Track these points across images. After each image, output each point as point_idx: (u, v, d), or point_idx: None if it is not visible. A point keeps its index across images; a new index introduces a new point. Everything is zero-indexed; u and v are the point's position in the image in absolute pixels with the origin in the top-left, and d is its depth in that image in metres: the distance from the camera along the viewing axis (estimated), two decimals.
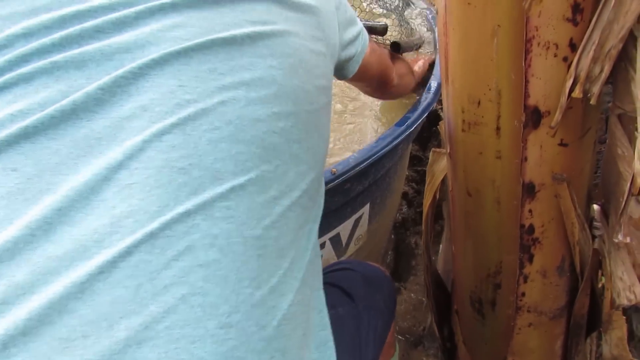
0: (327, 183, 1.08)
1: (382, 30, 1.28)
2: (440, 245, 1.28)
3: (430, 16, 1.63)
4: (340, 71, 0.82)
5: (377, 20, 1.45)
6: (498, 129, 0.75)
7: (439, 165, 1.01)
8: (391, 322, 0.94)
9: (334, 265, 1.03)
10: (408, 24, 1.48)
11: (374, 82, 1.01)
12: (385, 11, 1.59)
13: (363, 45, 0.81)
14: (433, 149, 1.03)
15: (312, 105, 0.55)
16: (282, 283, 0.49)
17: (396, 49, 1.25)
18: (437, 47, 1.46)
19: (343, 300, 0.84)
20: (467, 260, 0.97)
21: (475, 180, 0.84)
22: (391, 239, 1.71)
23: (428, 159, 1.82)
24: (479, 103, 0.75)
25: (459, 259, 1.00)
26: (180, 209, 0.43)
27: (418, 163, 1.78)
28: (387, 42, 1.28)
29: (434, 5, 1.68)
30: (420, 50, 1.44)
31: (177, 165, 0.44)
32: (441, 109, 1.94)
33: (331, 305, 0.76)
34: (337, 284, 0.87)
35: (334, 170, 1.11)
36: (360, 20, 1.32)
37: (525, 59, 0.67)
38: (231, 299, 0.44)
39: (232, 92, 0.48)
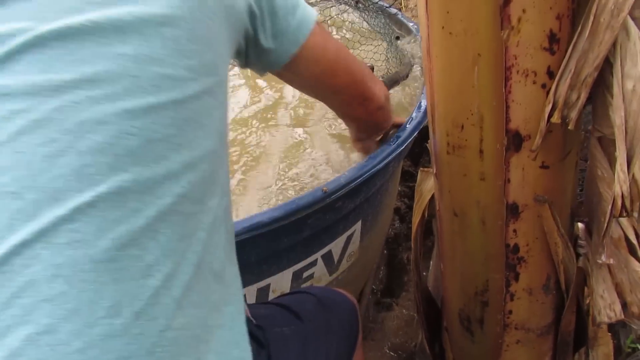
0: (318, 201, 1.10)
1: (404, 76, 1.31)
2: (431, 262, 1.29)
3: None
4: (266, 55, 0.70)
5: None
6: (481, 151, 0.77)
7: (427, 184, 1.03)
8: (354, 344, 0.90)
9: (292, 290, 1.00)
10: (397, 47, 1.52)
11: (342, 90, 0.86)
12: (377, 33, 1.62)
13: (304, 21, 0.71)
14: (421, 168, 1.05)
15: (182, 92, 0.47)
16: (150, 305, 0.43)
17: None
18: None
19: (290, 321, 0.80)
20: (455, 279, 0.99)
21: (461, 200, 0.86)
22: (383, 255, 1.72)
23: None
24: (462, 127, 0.77)
25: (447, 277, 1.01)
26: (16, 239, 0.39)
27: (410, 179, 1.80)
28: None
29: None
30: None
31: (8, 190, 0.39)
32: None
33: (275, 324, 0.76)
34: (286, 305, 0.84)
35: (325, 189, 1.12)
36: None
37: (506, 85, 0.70)
38: (84, 333, 0.39)
39: (71, 94, 0.41)
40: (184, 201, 0.47)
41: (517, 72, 0.69)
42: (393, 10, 1.73)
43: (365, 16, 1.61)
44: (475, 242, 0.89)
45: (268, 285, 1.23)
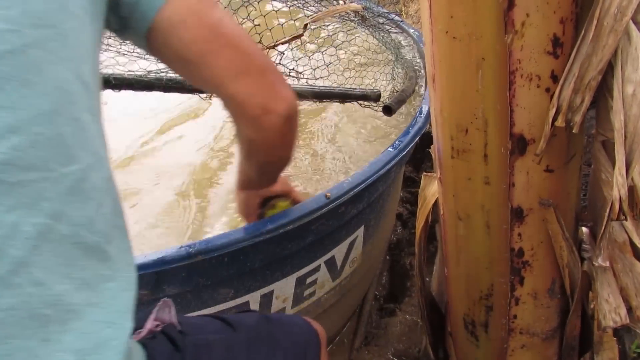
0: (321, 207, 1.10)
1: (375, 97, 1.29)
2: (434, 267, 1.29)
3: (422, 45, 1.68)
4: (131, 11, 0.60)
5: (370, 86, 1.46)
6: (486, 156, 0.78)
7: (431, 189, 1.04)
8: None
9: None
10: (403, 59, 1.52)
11: (229, 72, 0.65)
12: (382, 46, 1.62)
13: None
14: (424, 173, 1.06)
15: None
16: None
17: (388, 112, 1.26)
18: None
19: (220, 330, 0.76)
20: (460, 283, 0.99)
21: (465, 205, 0.86)
22: (386, 261, 1.72)
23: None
24: (466, 131, 0.77)
25: (451, 281, 1.01)
26: None
27: (412, 184, 1.80)
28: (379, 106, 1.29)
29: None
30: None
31: None
32: None
33: (201, 332, 0.73)
34: (222, 317, 0.79)
35: (328, 194, 1.12)
36: (351, 89, 1.29)
37: (510, 89, 0.70)
38: None
39: None
40: (8, 169, 0.42)
41: (521, 76, 0.69)
42: (395, 18, 1.74)
43: (372, 31, 1.61)
44: (479, 246, 0.89)
45: (272, 292, 1.23)
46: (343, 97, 1.22)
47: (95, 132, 0.52)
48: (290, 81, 1.32)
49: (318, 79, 1.32)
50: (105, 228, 0.50)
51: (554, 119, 0.69)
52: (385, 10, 1.72)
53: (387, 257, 1.70)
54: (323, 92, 1.21)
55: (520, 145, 0.75)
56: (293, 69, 1.31)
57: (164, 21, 0.61)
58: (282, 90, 0.69)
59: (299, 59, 1.36)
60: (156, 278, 1.04)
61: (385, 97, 1.36)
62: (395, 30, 1.71)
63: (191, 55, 0.63)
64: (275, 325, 0.81)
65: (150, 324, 0.71)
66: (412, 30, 1.69)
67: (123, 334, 0.51)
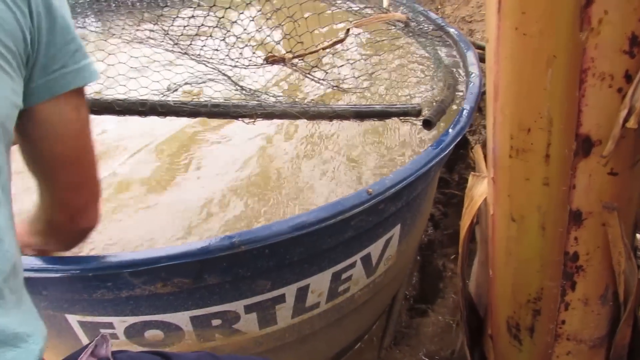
0: (363, 203, 1.10)
1: (416, 113, 1.26)
2: (472, 269, 1.28)
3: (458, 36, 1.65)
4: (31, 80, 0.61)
5: (409, 96, 1.44)
6: (547, 156, 0.76)
7: (479, 189, 1.02)
8: None
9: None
10: (444, 65, 1.49)
11: (71, 184, 0.72)
12: (424, 54, 1.59)
13: (74, 75, 0.63)
14: (472, 173, 1.04)
15: None
16: None
17: (428, 125, 1.23)
18: (470, 78, 1.47)
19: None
20: (506, 286, 0.97)
21: (521, 206, 0.85)
22: (416, 261, 1.71)
23: (455, 181, 1.84)
24: (529, 130, 0.76)
25: (497, 283, 1.00)
26: None
27: (445, 185, 1.78)
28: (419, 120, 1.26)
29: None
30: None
31: None
32: (469, 132, 1.96)
33: None
34: (162, 352, 0.79)
35: (370, 190, 1.12)
36: (391, 105, 1.25)
37: (580, 88, 0.69)
38: None
39: None
40: None
41: (593, 75, 0.67)
42: (439, 20, 1.71)
43: (414, 38, 1.59)
44: (532, 248, 0.87)
45: (308, 286, 1.22)
46: (383, 115, 1.20)
47: None
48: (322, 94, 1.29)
49: (360, 89, 1.30)
50: (2, 266, 0.53)
51: (625, 119, 0.68)
52: (432, 15, 1.69)
53: (418, 258, 1.69)
54: (363, 112, 1.19)
55: (585, 146, 0.73)
56: (324, 79, 1.29)
57: (46, 116, 0.64)
58: (95, 219, 0.82)
59: (340, 66, 1.34)
60: (199, 267, 1.04)
61: (424, 108, 1.34)
62: (436, 33, 1.69)
63: (51, 164, 0.69)
64: None
65: (84, 357, 0.71)
66: (452, 30, 1.67)
67: (28, 355, 0.53)
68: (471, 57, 1.53)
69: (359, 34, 1.25)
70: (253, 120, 1.04)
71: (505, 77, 0.76)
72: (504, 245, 0.93)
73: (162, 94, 1.20)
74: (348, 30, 1.21)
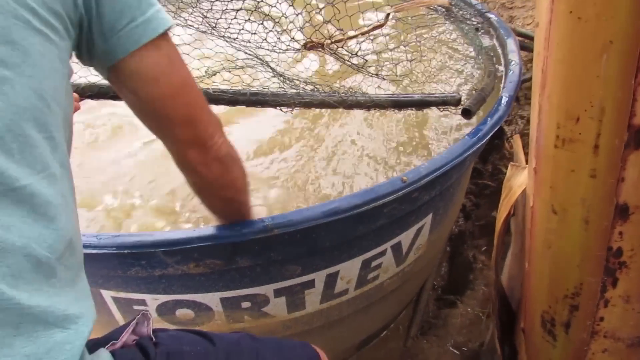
0: (397, 191, 1.08)
1: (455, 102, 1.23)
2: (506, 261, 1.25)
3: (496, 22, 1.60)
4: (98, 46, 0.63)
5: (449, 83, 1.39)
6: (596, 147, 0.73)
7: (517, 180, 0.99)
8: None
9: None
10: (484, 51, 1.44)
11: (177, 126, 0.73)
12: (465, 41, 1.55)
13: (151, 24, 0.64)
14: (511, 163, 1.01)
15: None
16: None
17: (467, 114, 1.20)
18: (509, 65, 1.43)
19: (197, 342, 0.76)
20: (543, 279, 0.95)
21: (564, 197, 0.82)
22: (446, 251, 1.69)
23: (488, 172, 1.80)
24: (577, 119, 0.73)
25: (533, 277, 0.97)
26: None
27: (477, 176, 1.75)
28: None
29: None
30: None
31: None
32: (505, 122, 1.91)
33: (176, 343, 0.73)
34: (203, 332, 0.79)
35: (405, 178, 1.10)
36: (430, 95, 1.21)
37: (636, 76, 0.65)
38: None
39: None
40: None
41: None
42: (480, 6, 1.67)
43: (456, 25, 1.55)
44: (573, 242, 0.85)
45: (337, 272, 1.22)
46: (422, 104, 1.17)
47: (45, 149, 0.54)
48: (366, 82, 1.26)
49: (399, 77, 1.28)
50: (56, 244, 0.53)
51: None
52: (472, 1, 1.65)
53: (447, 248, 1.67)
54: (402, 101, 1.16)
55: (637, 137, 0.70)
56: (362, 67, 1.26)
57: (132, 69, 0.65)
58: (220, 145, 0.78)
59: (379, 52, 1.31)
60: (231, 249, 1.05)
61: (463, 97, 1.31)
62: (476, 19, 1.64)
63: (153, 107, 0.70)
64: (260, 343, 0.82)
65: (126, 337, 0.72)
66: (492, 16, 1.62)
67: (77, 337, 0.52)
68: (511, 44, 1.49)
69: (399, 18, 1.21)
70: (291, 109, 1.04)
71: (555, 63, 0.73)
72: (543, 238, 0.90)
73: (199, 79, 1.20)
74: (388, 15, 1.18)
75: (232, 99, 0.99)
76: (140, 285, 1.12)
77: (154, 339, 0.73)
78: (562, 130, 0.76)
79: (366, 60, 1.25)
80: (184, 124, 0.73)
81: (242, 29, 1.11)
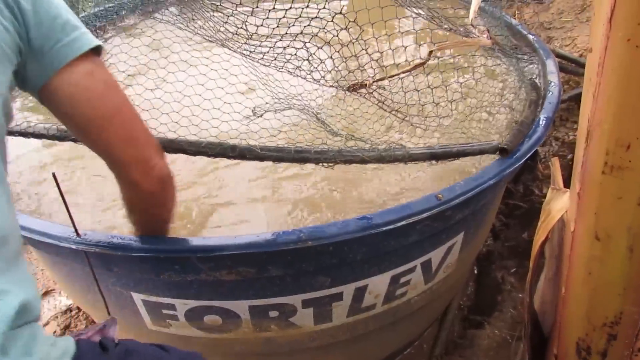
0: (431, 208, 1.08)
1: (494, 151, 1.18)
2: (538, 285, 1.23)
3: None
4: (29, 70, 0.68)
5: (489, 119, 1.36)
6: None
7: (557, 204, 0.98)
8: None
9: None
10: (526, 79, 1.43)
11: (116, 146, 0.76)
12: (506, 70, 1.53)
13: (73, 45, 0.69)
14: (552, 186, 1.00)
15: None
16: None
17: (505, 153, 1.18)
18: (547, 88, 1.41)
19: (154, 348, 0.80)
20: (581, 306, 0.93)
21: (608, 225, 0.81)
22: (472, 271, 1.67)
23: (519, 192, 1.78)
24: (628, 147, 0.72)
25: (570, 303, 0.96)
26: None
27: (508, 196, 1.73)
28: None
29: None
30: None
31: None
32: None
33: (134, 344, 0.78)
34: (159, 345, 0.83)
35: (440, 196, 1.10)
36: (469, 145, 1.14)
37: None
38: None
39: None
40: None
41: None
42: (519, 26, 1.65)
43: (500, 57, 1.54)
44: (616, 270, 0.83)
45: (366, 286, 1.22)
46: (459, 155, 1.17)
47: None
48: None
49: (441, 118, 1.26)
50: None
51: None
52: (513, 21, 1.63)
53: (474, 268, 1.65)
54: (439, 154, 1.16)
55: None
56: (405, 117, 1.23)
57: (64, 88, 0.69)
58: (162, 166, 0.82)
59: (420, 90, 1.28)
60: (265, 258, 1.05)
61: (503, 132, 1.28)
62: (518, 45, 1.63)
63: (90, 129, 0.73)
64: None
65: (91, 333, 0.78)
66: (531, 37, 1.61)
67: (5, 306, 0.58)
68: (551, 65, 1.48)
69: (439, 57, 1.20)
70: (332, 165, 1.07)
71: (608, 90, 0.72)
72: (583, 264, 0.89)
73: (247, 118, 1.23)
74: (431, 52, 1.17)
75: (278, 157, 1.03)
76: (172, 289, 1.14)
77: (116, 340, 0.77)
78: (612, 157, 0.75)
79: (407, 111, 1.23)
80: (123, 145, 0.76)
81: (289, 61, 1.11)
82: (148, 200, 0.86)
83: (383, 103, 1.18)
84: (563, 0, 2.29)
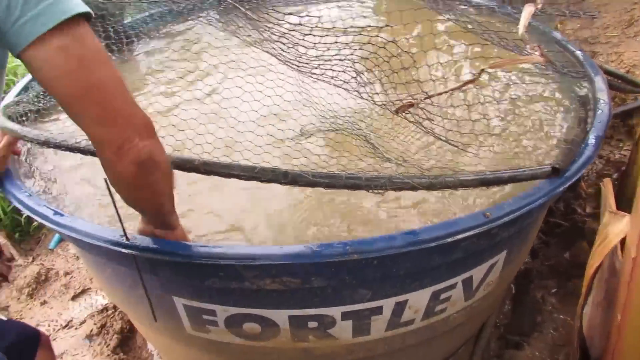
0: (479, 226, 1.06)
1: (545, 176, 1.16)
2: (586, 309, 1.20)
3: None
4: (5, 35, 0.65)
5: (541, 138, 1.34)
6: None
7: (615, 228, 0.95)
8: None
9: None
10: (576, 94, 1.39)
11: (87, 121, 0.73)
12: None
13: (32, 23, 0.63)
14: (608, 209, 0.97)
15: None
16: None
17: (557, 173, 1.16)
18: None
19: None
20: (638, 335, 0.90)
21: None
22: (509, 289, 1.64)
23: (559, 210, 1.74)
24: None
25: (626, 330, 0.93)
26: None
27: (549, 214, 1.69)
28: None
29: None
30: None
31: None
32: None
33: None
34: None
35: (488, 214, 1.08)
36: (519, 170, 1.10)
37: None
38: None
39: None
40: None
41: None
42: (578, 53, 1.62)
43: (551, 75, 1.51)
44: None
45: (406, 301, 1.20)
46: (510, 181, 1.15)
47: None
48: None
49: (492, 135, 1.24)
50: None
51: None
52: (561, 37, 1.60)
53: (512, 286, 1.61)
54: (489, 180, 1.13)
55: None
56: (453, 143, 1.21)
57: (32, 65, 0.66)
58: (142, 149, 0.76)
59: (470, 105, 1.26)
60: (309, 269, 1.05)
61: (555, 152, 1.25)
62: (568, 65, 1.59)
63: (62, 103, 0.70)
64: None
65: None
66: (579, 53, 1.58)
67: None
68: (600, 82, 1.44)
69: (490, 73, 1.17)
70: (382, 192, 1.07)
71: None
72: None
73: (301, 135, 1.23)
74: (482, 70, 1.15)
75: (330, 183, 1.02)
76: (214, 296, 1.14)
77: None
78: None
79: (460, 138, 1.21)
80: (95, 124, 0.72)
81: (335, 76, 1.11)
82: (125, 181, 0.81)
83: (433, 132, 1.16)
84: (609, 14, 2.24)
